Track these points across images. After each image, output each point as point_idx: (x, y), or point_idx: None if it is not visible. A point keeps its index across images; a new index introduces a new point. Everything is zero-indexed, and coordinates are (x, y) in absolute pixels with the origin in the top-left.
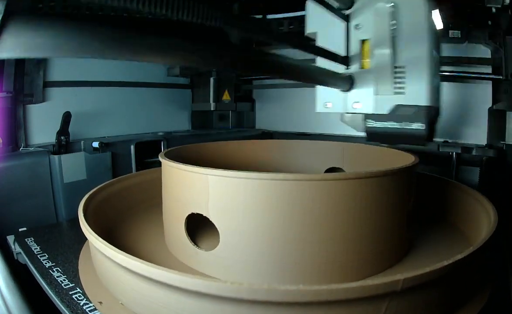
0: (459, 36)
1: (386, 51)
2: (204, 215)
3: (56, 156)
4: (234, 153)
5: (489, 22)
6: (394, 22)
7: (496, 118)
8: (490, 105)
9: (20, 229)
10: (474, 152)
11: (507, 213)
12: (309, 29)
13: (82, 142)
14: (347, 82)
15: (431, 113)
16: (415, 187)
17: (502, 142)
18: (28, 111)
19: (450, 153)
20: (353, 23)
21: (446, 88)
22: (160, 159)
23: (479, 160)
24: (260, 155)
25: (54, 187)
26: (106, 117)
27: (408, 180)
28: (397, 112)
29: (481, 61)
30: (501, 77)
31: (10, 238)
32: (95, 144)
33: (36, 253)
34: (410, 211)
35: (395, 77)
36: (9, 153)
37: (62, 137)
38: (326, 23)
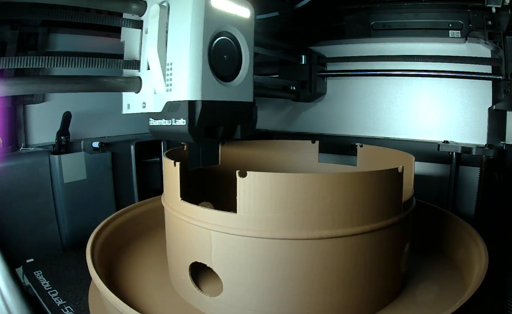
0: (459, 36)
1: (153, 49)
2: (208, 265)
3: (56, 156)
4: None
5: (489, 22)
6: (167, 21)
7: (496, 118)
8: (490, 105)
9: (27, 261)
10: (474, 152)
11: (507, 214)
12: (122, 38)
13: (82, 142)
14: (136, 84)
15: (199, 109)
16: (410, 228)
17: (502, 142)
18: (28, 111)
19: (450, 153)
20: (144, 28)
21: (446, 88)
22: (163, 203)
23: (479, 160)
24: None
25: (54, 187)
26: (106, 117)
27: (404, 226)
28: (166, 109)
29: (481, 61)
30: (501, 77)
31: (19, 271)
32: (95, 144)
33: (46, 289)
34: (406, 251)
35: (166, 74)
36: (9, 153)
37: (62, 137)
38: (130, 32)
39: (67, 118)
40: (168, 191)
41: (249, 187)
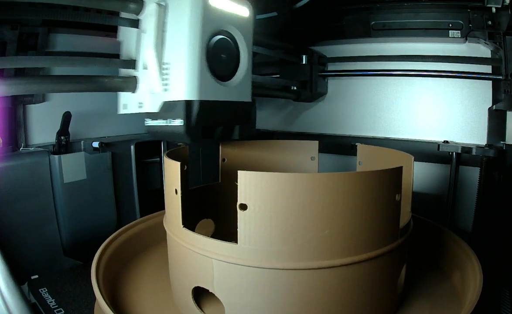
0: (459, 36)
1: (150, 48)
2: (210, 290)
3: (56, 156)
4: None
5: (489, 22)
6: (165, 20)
7: (496, 118)
8: (490, 105)
9: (32, 277)
10: (474, 152)
11: (507, 214)
12: (119, 38)
13: (82, 142)
14: (133, 84)
15: (197, 109)
16: (407, 250)
17: (502, 142)
18: (28, 111)
19: (450, 153)
20: (141, 27)
21: (446, 88)
22: (165, 227)
23: (479, 160)
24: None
25: (54, 187)
26: (106, 117)
27: (401, 251)
28: (163, 109)
29: (481, 61)
30: (501, 77)
31: (24, 288)
32: (95, 144)
33: (52, 307)
34: (402, 273)
35: (163, 74)
36: (9, 153)
37: (62, 137)
38: (127, 31)
39: (67, 118)
40: (170, 215)
41: (249, 219)
